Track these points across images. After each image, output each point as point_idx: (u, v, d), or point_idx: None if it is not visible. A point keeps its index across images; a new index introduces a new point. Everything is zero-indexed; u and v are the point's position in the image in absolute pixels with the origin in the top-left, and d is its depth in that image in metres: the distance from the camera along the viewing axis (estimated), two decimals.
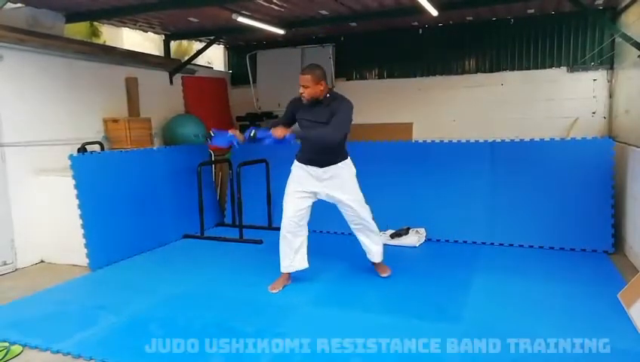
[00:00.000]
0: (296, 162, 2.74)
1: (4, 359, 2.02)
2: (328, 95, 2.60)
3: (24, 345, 2.13)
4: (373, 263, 2.91)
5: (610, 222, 3.31)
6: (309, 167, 2.66)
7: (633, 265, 3.00)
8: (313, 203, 2.73)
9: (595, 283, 2.72)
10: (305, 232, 2.74)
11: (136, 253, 3.51)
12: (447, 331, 2.10)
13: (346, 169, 2.70)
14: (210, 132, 2.70)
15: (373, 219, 2.82)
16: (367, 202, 2.76)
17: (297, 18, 4.30)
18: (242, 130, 6.26)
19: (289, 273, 2.77)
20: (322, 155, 2.64)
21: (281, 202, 2.73)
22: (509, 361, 1.89)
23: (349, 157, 2.74)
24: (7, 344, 2.11)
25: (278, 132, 2.47)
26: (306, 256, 2.76)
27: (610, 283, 2.65)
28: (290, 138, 2.50)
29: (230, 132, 2.64)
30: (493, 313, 2.37)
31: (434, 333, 2.05)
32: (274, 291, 2.70)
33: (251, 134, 2.50)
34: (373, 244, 2.85)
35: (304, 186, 2.68)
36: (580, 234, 3.34)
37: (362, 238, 2.84)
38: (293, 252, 2.71)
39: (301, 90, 2.55)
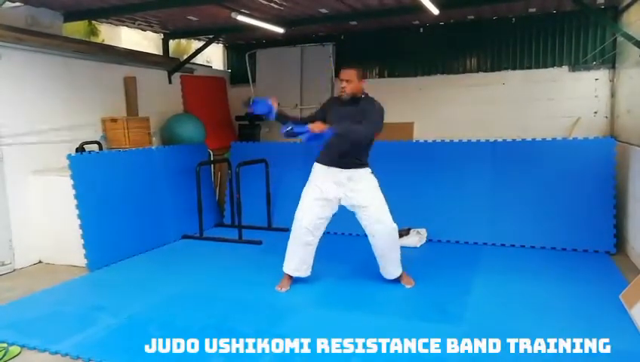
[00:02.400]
0: (317, 165, 2.64)
1: (3, 360, 2.01)
2: (363, 96, 2.58)
3: (22, 346, 2.11)
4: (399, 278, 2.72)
5: (612, 223, 3.30)
6: (331, 168, 2.58)
7: (635, 265, 2.98)
8: (333, 214, 2.64)
9: (596, 284, 2.71)
10: (316, 242, 2.69)
11: (134, 254, 3.49)
12: (447, 331, 2.09)
13: (367, 176, 2.62)
14: (251, 99, 2.57)
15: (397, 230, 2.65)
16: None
17: (297, 17, 4.28)
18: (242, 129, 6.20)
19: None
20: (346, 157, 2.56)
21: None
22: (509, 361, 1.88)
23: (369, 168, 2.64)
24: (5, 345, 2.10)
25: (316, 126, 2.37)
26: (311, 266, 2.74)
27: (612, 284, 2.64)
28: (328, 133, 2.37)
29: (271, 101, 2.51)
30: (494, 313, 2.36)
31: (434, 333, 2.04)
32: (283, 290, 2.68)
33: (288, 129, 2.39)
34: (387, 262, 2.67)
35: (326, 193, 2.59)
36: (582, 235, 3.33)
37: (376, 253, 2.68)
38: (301, 259, 2.68)
39: (343, 84, 2.52)
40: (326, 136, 2.39)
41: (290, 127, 2.40)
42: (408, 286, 2.72)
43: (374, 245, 2.70)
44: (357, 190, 2.59)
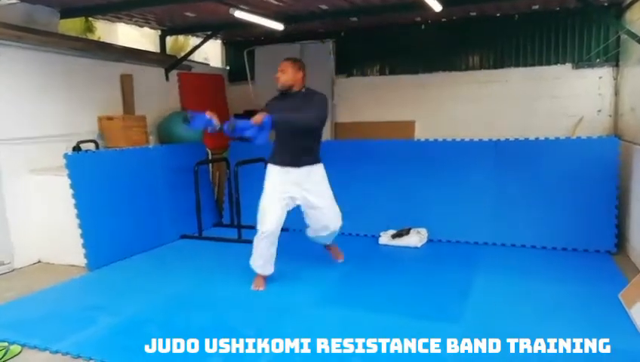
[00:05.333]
0: (273, 166, 2.67)
1: (3, 359, 2.01)
2: (304, 89, 2.63)
3: (23, 345, 2.12)
4: (327, 247, 2.98)
5: (613, 222, 3.28)
6: (288, 168, 2.62)
7: (635, 265, 2.97)
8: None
9: (597, 284, 2.70)
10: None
11: (133, 253, 3.48)
12: (447, 331, 2.08)
13: (321, 172, 2.71)
14: (188, 114, 2.49)
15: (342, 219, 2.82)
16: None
17: (297, 13, 4.23)
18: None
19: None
20: (300, 155, 2.62)
21: None
22: (509, 361, 1.88)
23: (321, 163, 2.73)
24: (6, 344, 2.10)
25: (256, 118, 2.39)
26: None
27: (613, 284, 2.63)
28: (267, 121, 2.38)
29: (207, 114, 2.48)
30: (494, 313, 2.36)
31: (434, 333, 2.03)
32: (261, 289, 2.68)
33: (231, 124, 2.36)
34: (329, 240, 2.91)
35: (285, 193, 2.63)
36: (583, 234, 3.31)
37: (319, 239, 2.89)
38: (271, 259, 2.69)
39: (278, 74, 2.58)
40: (266, 126, 2.38)
41: (232, 123, 2.36)
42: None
43: (314, 236, 2.87)
44: (312, 191, 2.66)
